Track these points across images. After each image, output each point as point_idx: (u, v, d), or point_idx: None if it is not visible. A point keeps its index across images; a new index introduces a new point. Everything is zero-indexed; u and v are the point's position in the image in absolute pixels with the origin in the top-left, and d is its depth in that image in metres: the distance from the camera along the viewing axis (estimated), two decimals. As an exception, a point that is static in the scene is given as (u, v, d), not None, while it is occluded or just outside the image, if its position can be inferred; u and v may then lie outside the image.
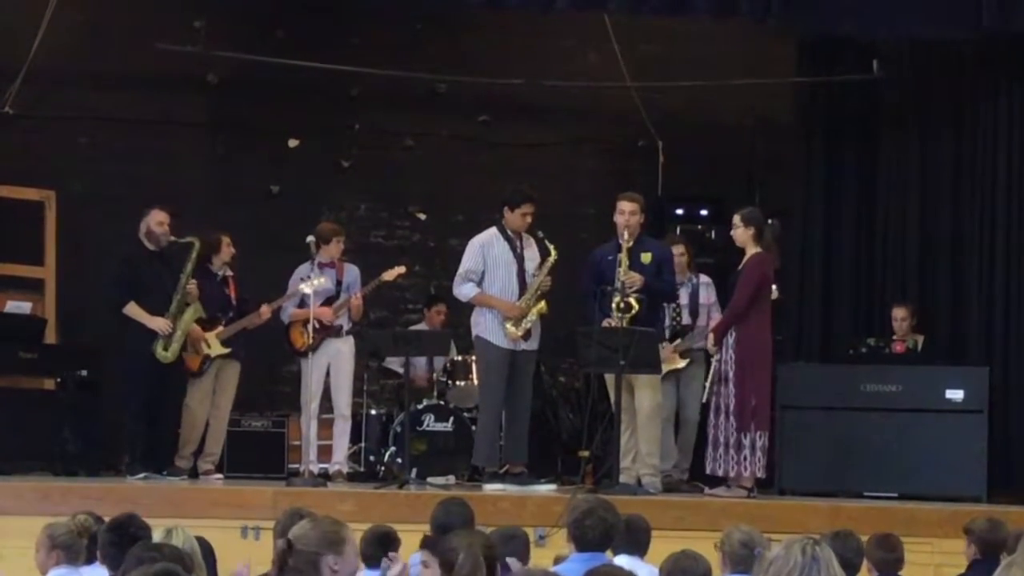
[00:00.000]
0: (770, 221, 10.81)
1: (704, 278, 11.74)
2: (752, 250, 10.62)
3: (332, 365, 11.32)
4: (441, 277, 13.39)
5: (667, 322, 11.41)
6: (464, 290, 10.78)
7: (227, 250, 11.47)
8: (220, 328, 11.33)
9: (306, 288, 10.99)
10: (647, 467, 10.50)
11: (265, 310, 11.36)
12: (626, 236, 10.47)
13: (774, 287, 10.94)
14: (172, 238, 11.03)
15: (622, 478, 10.44)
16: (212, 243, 11.37)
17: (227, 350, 11.33)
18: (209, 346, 11.27)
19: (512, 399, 10.74)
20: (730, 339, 10.55)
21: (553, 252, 10.65)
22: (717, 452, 10.56)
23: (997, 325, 11.96)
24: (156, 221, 11.04)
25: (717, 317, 11.20)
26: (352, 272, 11.56)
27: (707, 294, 11.64)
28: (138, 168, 13.03)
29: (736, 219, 10.67)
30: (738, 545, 6.08)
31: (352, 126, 13.76)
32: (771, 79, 13.25)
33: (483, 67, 13.53)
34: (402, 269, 11.61)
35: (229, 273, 11.57)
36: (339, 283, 11.45)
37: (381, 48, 13.53)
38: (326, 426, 11.46)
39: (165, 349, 10.88)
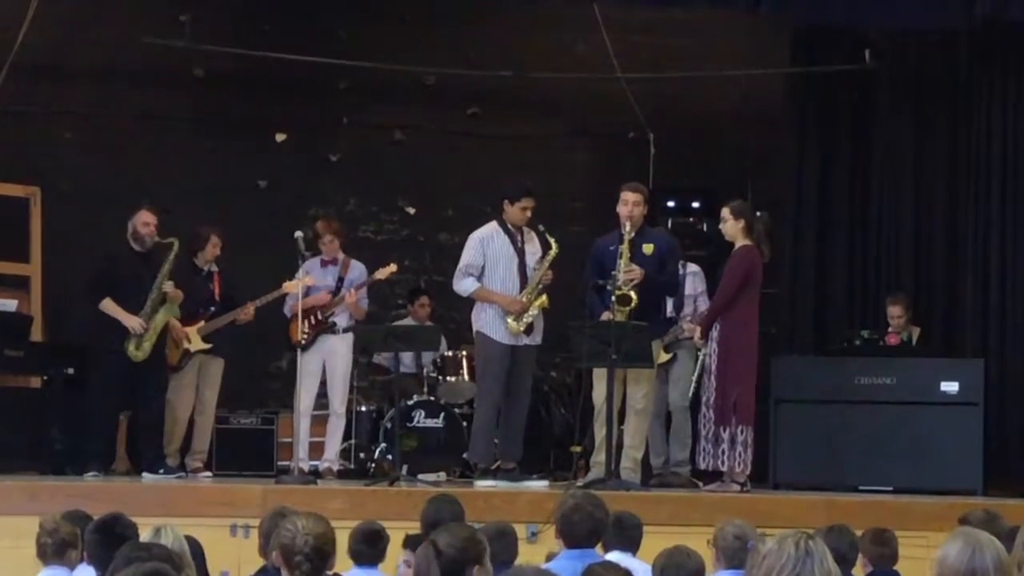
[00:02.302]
0: (759, 213, 10.74)
1: (692, 267, 11.58)
2: (741, 243, 10.55)
3: (327, 362, 11.25)
4: (431, 272, 13.33)
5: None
6: (464, 285, 10.69)
7: (212, 249, 11.37)
8: (201, 323, 11.25)
9: (288, 287, 10.98)
10: (628, 460, 10.46)
11: (250, 307, 11.29)
12: (628, 227, 10.41)
13: None
14: (157, 239, 10.94)
15: (594, 472, 10.44)
16: (199, 239, 11.29)
17: (207, 346, 11.27)
18: (190, 341, 11.21)
19: (511, 395, 10.66)
20: (714, 332, 10.47)
21: (555, 245, 10.58)
22: (704, 447, 10.49)
23: (992, 316, 11.90)
24: (142, 222, 10.96)
25: (704, 307, 11.15)
26: (356, 269, 11.47)
27: (693, 284, 11.51)
28: (124, 163, 12.99)
29: (725, 212, 10.59)
30: (731, 539, 6.03)
31: (340, 120, 13.70)
32: (763, 70, 13.18)
33: (472, 60, 13.48)
34: (393, 267, 11.52)
35: (215, 269, 11.48)
36: (341, 279, 11.37)
37: (369, 41, 13.45)
38: (318, 423, 11.38)
39: (137, 348, 10.80)
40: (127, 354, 10.74)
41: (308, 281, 11.05)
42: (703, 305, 11.31)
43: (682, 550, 5.79)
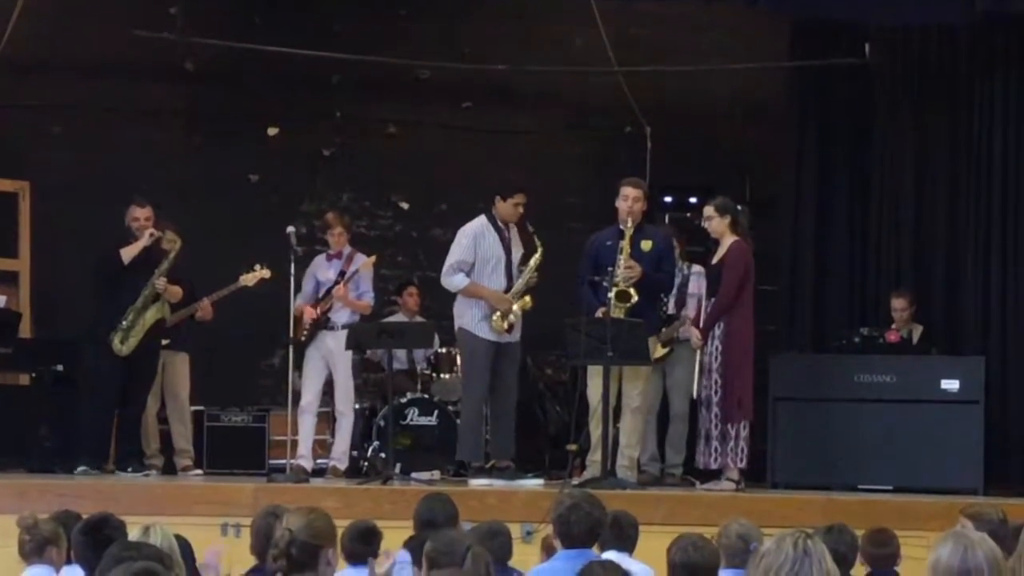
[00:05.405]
0: (739, 207, 10.68)
1: (696, 268, 11.55)
2: (729, 239, 10.52)
3: (329, 362, 11.13)
4: (424, 267, 13.21)
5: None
6: (455, 280, 10.61)
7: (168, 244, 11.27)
8: None
9: (245, 280, 11.12)
10: (624, 459, 10.40)
11: (206, 303, 11.33)
12: (629, 223, 10.33)
13: None
14: (159, 233, 10.87)
15: (590, 470, 10.37)
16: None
17: (165, 341, 11.21)
18: None
19: (497, 392, 10.62)
20: (717, 330, 10.44)
21: (539, 250, 10.50)
22: (708, 446, 10.43)
23: (993, 314, 11.82)
24: (132, 217, 10.97)
25: (702, 307, 11.07)
26: (359, 261, 11.33)
27: (697, 283, 11.44)
28: (114, 158, 12.87)
29: (710, 210, 10.60)
30: (735, 539, 6.00)
31: (333, 114, 13.60)
32: (762, 64, 13.08)
33: (467, 53, 13.37)
34: (372, 258, 11.41)
35: None
36: (342, 273, 11.26)
37: (363, 34, 13.36)
38: (321, 420, 11.35)
39: (122, 342, 10.74)
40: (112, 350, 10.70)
41: (264, 274, 11.14)
42: (703, 303, 11.22)
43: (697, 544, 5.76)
